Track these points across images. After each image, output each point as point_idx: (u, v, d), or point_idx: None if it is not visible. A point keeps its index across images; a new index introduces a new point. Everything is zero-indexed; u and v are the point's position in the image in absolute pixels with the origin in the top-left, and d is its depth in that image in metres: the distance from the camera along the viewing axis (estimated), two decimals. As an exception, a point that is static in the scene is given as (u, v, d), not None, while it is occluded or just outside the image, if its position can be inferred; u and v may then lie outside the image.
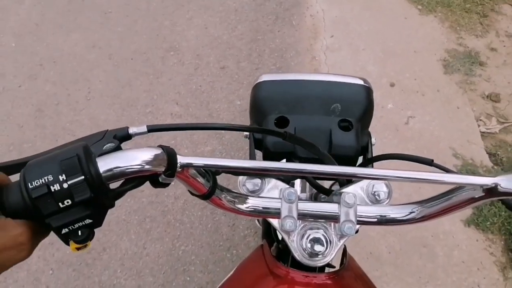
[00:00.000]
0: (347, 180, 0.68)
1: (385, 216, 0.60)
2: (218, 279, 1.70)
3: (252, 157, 0.80)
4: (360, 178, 0.63)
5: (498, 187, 0.48)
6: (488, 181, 0.49)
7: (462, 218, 1.83)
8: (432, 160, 0.67)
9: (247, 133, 0.84)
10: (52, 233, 0.43)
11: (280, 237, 0.82)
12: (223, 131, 2.13)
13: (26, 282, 1.69)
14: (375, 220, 0.60)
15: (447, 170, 0.64)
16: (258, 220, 1.47)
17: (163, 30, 2.64)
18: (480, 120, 2.20)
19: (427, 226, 1.80)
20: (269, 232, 0.95)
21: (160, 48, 2.53)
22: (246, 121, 2.22)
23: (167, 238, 1.80)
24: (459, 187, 0.54)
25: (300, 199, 0.60)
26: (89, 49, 2.52)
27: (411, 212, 0.59)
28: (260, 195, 0.65)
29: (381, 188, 0.64)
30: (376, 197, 0.64)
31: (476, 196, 0.52)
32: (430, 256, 1.74)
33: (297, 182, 1.06)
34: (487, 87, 2.35)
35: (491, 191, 0.50)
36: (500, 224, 1.79)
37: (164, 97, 2.30)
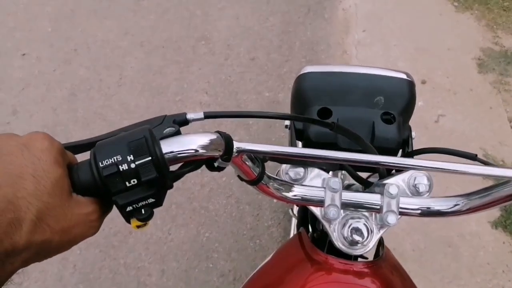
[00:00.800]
0: (387, 173, 0.68)
1: (428, 208, 0.61)
2: (240, 268, 1.72)
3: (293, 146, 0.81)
4: (407, 168, 0.62)
5: None
6: None
7: (489, 219, 1.80)
8: (476, 155, 0.67)
9: (288, 123, 0.84)
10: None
11: (317, 226, 0.83)
12: (251, 120, 2.15)
13: (55, 260, 1.75)
14: (418, 211, 0.61)
15: (490, 165, 0.63)
16: (291, 210, 1.49)
17: (194, 19, 2.66)
18: (513, 121, 2.16)
19: (452, 226, 1.78)
20: (304, 221, 0.96)
21: (191, 37, 2.56)
22: (274, 112, 2.22)
23: (192, 224, 1.83)
24: (506, 181, 0.54)
25: (344, 188, 0.61)
26: (121, 36, 2.57)
27: (455, 205, 0.60)
28: (303, 184, 0.66)
29: (422, 180, 0.64)
30: (417, 189, 0.64)
31: None
32: (455, 255, 1.72)
33: (330, 173, 1.07)
34: (522, 88, 2.29)
35: None
36: (529, 228, 1.76)
37: (194, 86, 2.32)
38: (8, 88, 2.32)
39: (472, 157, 0.66)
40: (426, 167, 0.52)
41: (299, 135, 0.81)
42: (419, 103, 2.19)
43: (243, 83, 2.33)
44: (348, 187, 0.90)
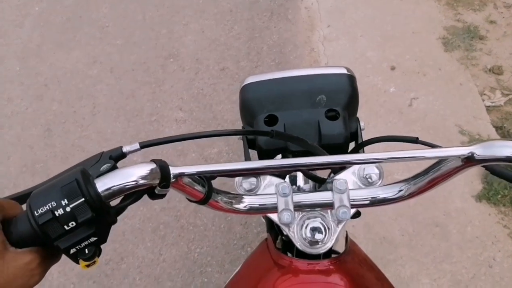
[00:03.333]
0: (340, 168, 0.69)
1: (376, 197, 0.63)
2: (235, 278, 1.72)
3: (247, 157, 0.83)
4: (348, 164, 0.65)
5: (474, 155, 0.51)
6: (464, 151, 0.51)
7: (472, 194, 1.82)
8: (417, 138, 0.69)
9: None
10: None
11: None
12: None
13: (50, 297, 1.74)
14: (368, 202, 0.63)
15: (431, 145, 0.65)
16: (262, 216, 1.50)
17: (160, 38, 2.67)
18: (484, 94, 2.19)
19: (438, 206, 1.80)
20: (272, 226, 0.97)
21: (160, 57, 2.57)
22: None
23: (182, 242, 1.83)
24: (441, 160, 0.57)
25: (296, 191, 0.62)
26: (90, 65, 2.57)
27: (400, 191, 0.62)
28: (257, 193, 0.67)
29: (372, 170, 0.66)
30: (369, 179, 0.66)
31: (457, 166, 0.54)
32: (444, 234, 1.74)
33: (299, 175, 1.08)
34: (489, 61, 2.33)
35: (469, 160, 0.52)
36: (512, 197, 1.79)
37: (167, 104, 2.33)
38: (-17, 132, 2.31)
39: (414, 141, 0.68)
40: (367, 160, 0.54)
41: (251, 144, 0.82)
42: (390, 89, 2.22)
43: (216, 94, 2.35)
44: (318, 186, 0.92)
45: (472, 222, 1.75)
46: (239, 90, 0.88)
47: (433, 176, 0.58)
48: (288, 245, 0.78)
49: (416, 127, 2.10)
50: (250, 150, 0.84)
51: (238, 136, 0.87)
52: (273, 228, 0.91)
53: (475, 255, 1.68)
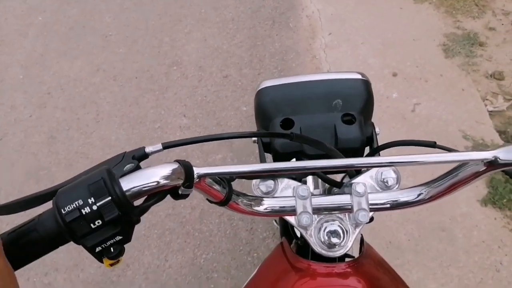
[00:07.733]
0: (356, 171, 0.70)
1: (396, 200, 0.62)
2: (241, 284, 1.71)
3: (262, 160, 0.83)
4: (367, 167, 0.65)
5: (498, 159, 0.51)
6: (488, 155, 0.51)
7: (478, 198, 1.83)
8: (435, 142, 0.70)
9: (255, 138, 0.86)
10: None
11: (298, 233, 0.84)
12: (232, 140, 2.16)
13: (55, 305, 1.73)
14: (387, 205, 0.63)
15: (450, 150, 0.66)
16: (275, 221, 1.49)
17: (163, 46, 2.69)
18: (487, 99, 2.20)
19: (443, 210, 1.80)
20: (287, 230, 0.97)
21: (163, 64, 2.58)
22: (253, 125, 2.24)
23: (187, 248, 1.82)
24: (462, 164, 0.57)
25: (313, 194, 0.62)
26: (93, 73, 2.58)
27: (419, 194, 0.62)
28: (275, 196, 0.67)
29: (389, 174, 0.66)
30: (385, 183, 0.66)
31: (480, 170, 0.54)
32: (450, 239, 1.74)
33: (309, 179, 1.08)
34: (490, 66, 2.35)
35: (492, 164, 0.52)
36: (517, 201, 1.79)
37: (171, 111, 2.34)
38: (-14, 140, 2.31)
39: (432, 145, 0.69)
40: (388, 162, 0.54)
41: (266, 148, 0.83)
42: (393, 95, 2.24)
43: (220, 101, 2.36)
44: (329, 190, 0.92)
45: (478, 226, 1.75)
46: (255, 94, 0.88)
47: (454, 180, 0.58)
48: (302, 250, 0.78)
49: (420, 132, 2.11)
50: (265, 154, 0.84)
51: (251, 139, 0.87)
52: (287, 233, 0.91)
53: (482, 259, 1.67)
